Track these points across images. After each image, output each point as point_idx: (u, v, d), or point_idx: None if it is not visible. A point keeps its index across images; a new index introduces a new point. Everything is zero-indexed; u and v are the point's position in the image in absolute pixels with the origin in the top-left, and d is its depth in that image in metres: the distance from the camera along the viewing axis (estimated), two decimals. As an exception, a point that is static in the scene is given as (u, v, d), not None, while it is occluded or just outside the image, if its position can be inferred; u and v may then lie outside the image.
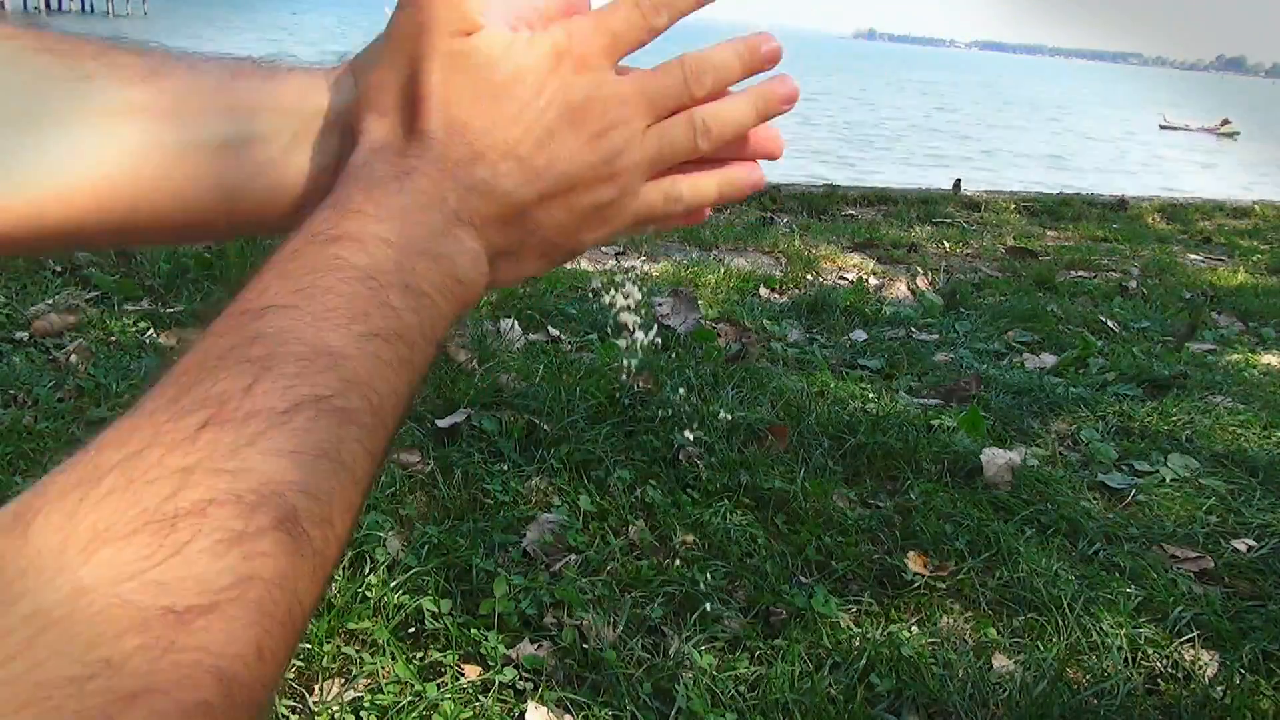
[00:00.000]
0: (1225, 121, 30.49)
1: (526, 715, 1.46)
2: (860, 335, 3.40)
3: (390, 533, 1.83)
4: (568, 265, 4.21)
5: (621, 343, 2.41)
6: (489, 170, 0.44)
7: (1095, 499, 2.31)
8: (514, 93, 0.44)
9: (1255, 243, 6.16)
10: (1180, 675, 1.69)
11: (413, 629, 1.61)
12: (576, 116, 0.45)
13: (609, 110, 0.45)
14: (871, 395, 2.74)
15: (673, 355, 2.85)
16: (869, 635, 1.70)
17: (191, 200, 0.46)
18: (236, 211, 0.47)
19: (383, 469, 0.37)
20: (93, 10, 43.03)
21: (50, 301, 2.82)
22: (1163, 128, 31.09)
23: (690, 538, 1.93)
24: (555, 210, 0.46)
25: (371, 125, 0.45)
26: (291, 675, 1.48)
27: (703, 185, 0.50)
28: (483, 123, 0.44)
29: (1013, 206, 6.51)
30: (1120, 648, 1.73)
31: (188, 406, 0.31)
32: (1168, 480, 2.41)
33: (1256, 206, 7.77)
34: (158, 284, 3.04)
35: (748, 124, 0.49)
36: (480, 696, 1.48)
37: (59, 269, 3.13)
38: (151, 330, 2.72)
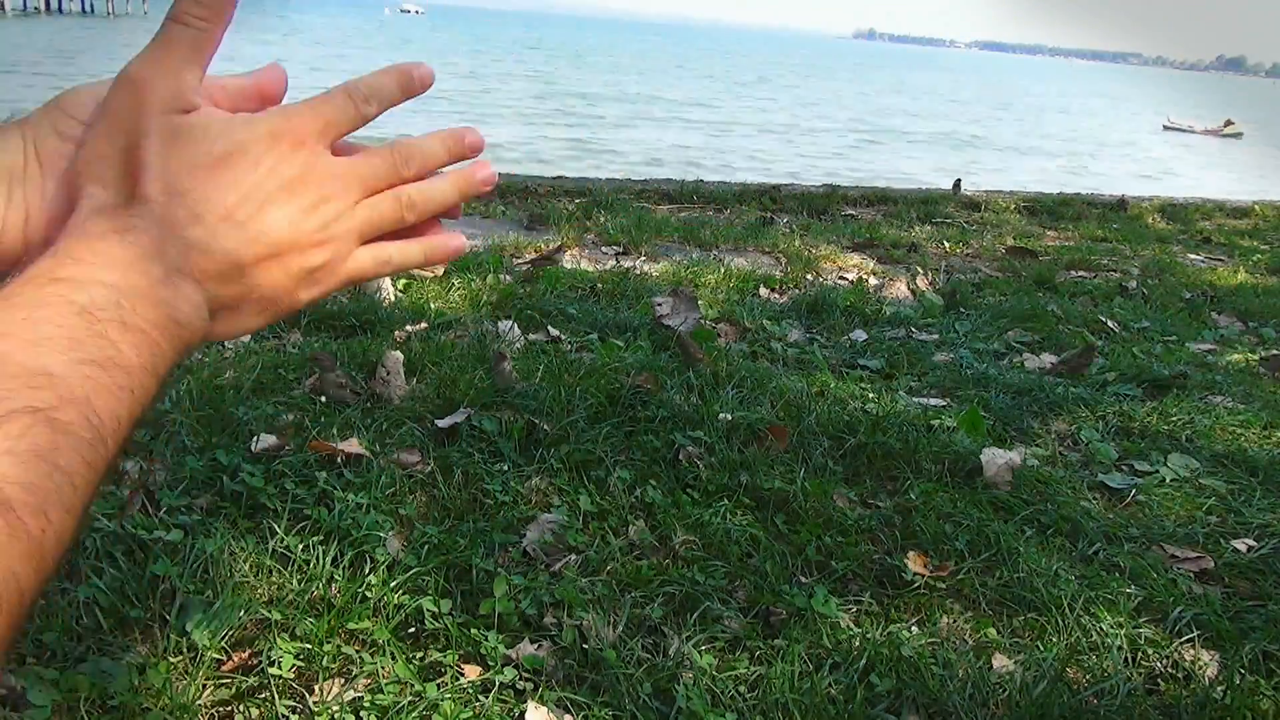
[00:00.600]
0: (1229, 123, 30.52)
1: (526, 715, 1.46)
2: (860, 335, 3.40)
3: (390, 533, 1.83)
4: (566, 265, 4.20)
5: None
6: (208, 231, 0.47)
7: (1095, 499, 2.31)
8: (233, 164, 0.48)
9: (1255, 243, 6.16)
10: (1180, 675, 1.69)
11: (413, 629, 1.61)
12: (292, 188, 0.50)
13: (323, 185, 0.50)
14: (871, 395, 2.74)
15: (672, 355, 2.85)
16: (869, 635, 1.70)
17: None
18: None
19: (103, 482, 0.42)
20: (93, 11, 43.05)
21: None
22: (1166, 128, 31.11)
23: (690, 538, 1.93)
24: (273, 270, 0.50)
25: (92, 192, 0.48)
26: (291, 675, 1.48)
27: (409, 251, 0.56)
28: (202, 189, 0.48)
29: (1013, 206, 6.51)
30: (1120, 648, 1.73)
31: None
32: (1168, 480, 2.41)
33: (1256, 206, 7.77)
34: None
35: (450, 202, 0.56)
36: (480, 696, 1.48)
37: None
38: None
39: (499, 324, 2.99)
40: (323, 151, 0.51)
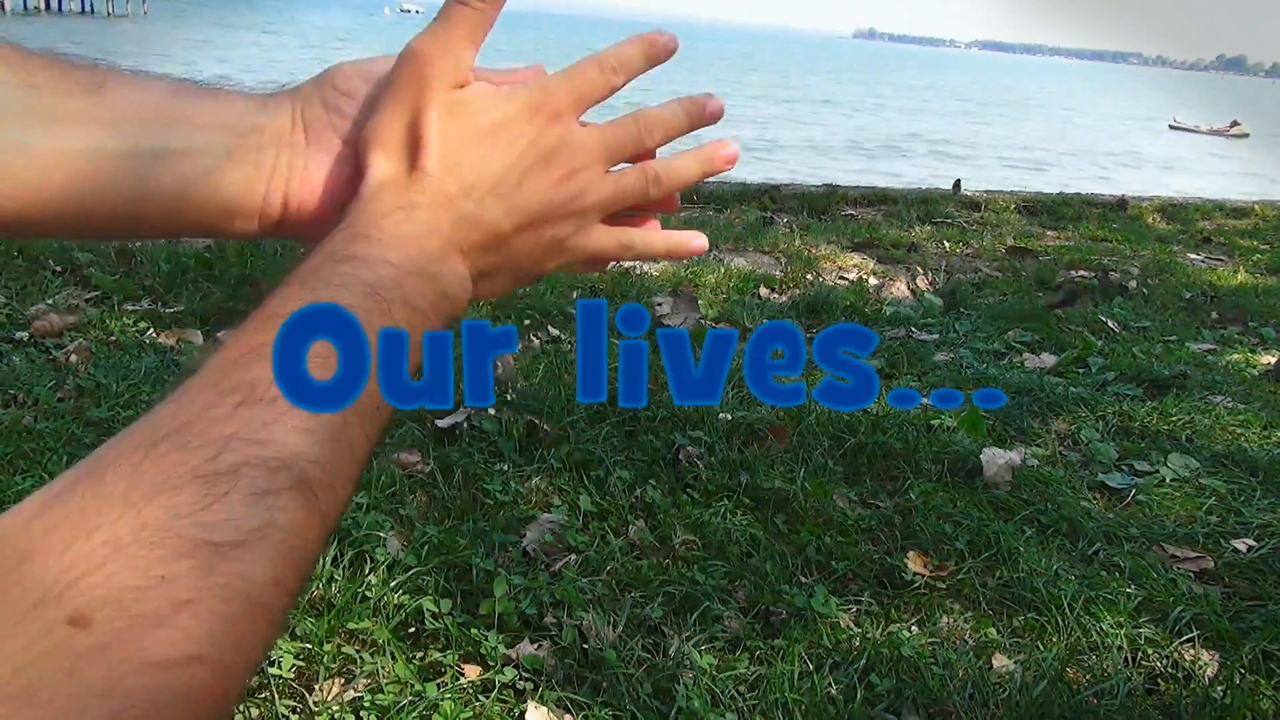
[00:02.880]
0: (1235, 124, 30.45)
1: (526, 715, 1.46)
2: (860, 335, 3.39)
3: (390, 533, 1.83)
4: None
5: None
6: (476, 204, 0.51)
7: (1095, 499, 2.31)
8: (498, 138, 0.51)
9: (1255, 243, 6.15)
10: (1180, 675, 1.69)
11: (413, 629, 1.61)
12: (548, 161, 0.52)
13: (574, 156, 0.53)
14: (871, 395, 2.74)
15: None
16: (869, 635, 1.70)
17: (126, 202, 0.51)
18: (171, 214, 0.53)
19: (374, 448, 0.45)
20: (93, 11, 43.03)
21: (50, 301, 2.82)
22: (1173, 128, 31.02)
23: (690, 538, 1.93)
24: (527, 240, 0.53)
25: (376, 161, 0.51)
26: (291, 675, 1.48)
27: (652, 241, 0.58)
28: (472, 162, 0.51)
29: (1013, 206, 6.50)
30: (1120, 648, 1.73)
31: (227, 389, 0.39)
32: (1168, 480, 2.41)
33: (1256, 206, 7.76)
34: (158, 284, 3.04)
35: (693, 179, 0.56)
36: (480, 696, 1.48)
37: (59, 269, 3.12)
38: (151, 330, 2.72)
39: (499, 323, 2.99)
40: (574, 123, 0.53)
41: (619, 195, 0.54)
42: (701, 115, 0.55)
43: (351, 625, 1.58)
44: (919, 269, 4.50)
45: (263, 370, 0.40)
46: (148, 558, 0.32)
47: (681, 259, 0.59)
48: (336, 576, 1.68)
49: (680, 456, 2.22)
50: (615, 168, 0.55)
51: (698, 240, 0.59)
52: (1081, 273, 4.81)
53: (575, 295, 3.49)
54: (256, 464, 0.37)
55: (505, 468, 2.12)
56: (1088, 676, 1.67)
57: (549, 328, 3.06)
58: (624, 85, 0.54)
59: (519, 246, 0.53)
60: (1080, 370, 3.19)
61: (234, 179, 0.53)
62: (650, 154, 0.56)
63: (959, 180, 7.22)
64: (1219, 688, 1.65)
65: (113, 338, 2.64)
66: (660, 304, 3.31)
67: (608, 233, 0.56)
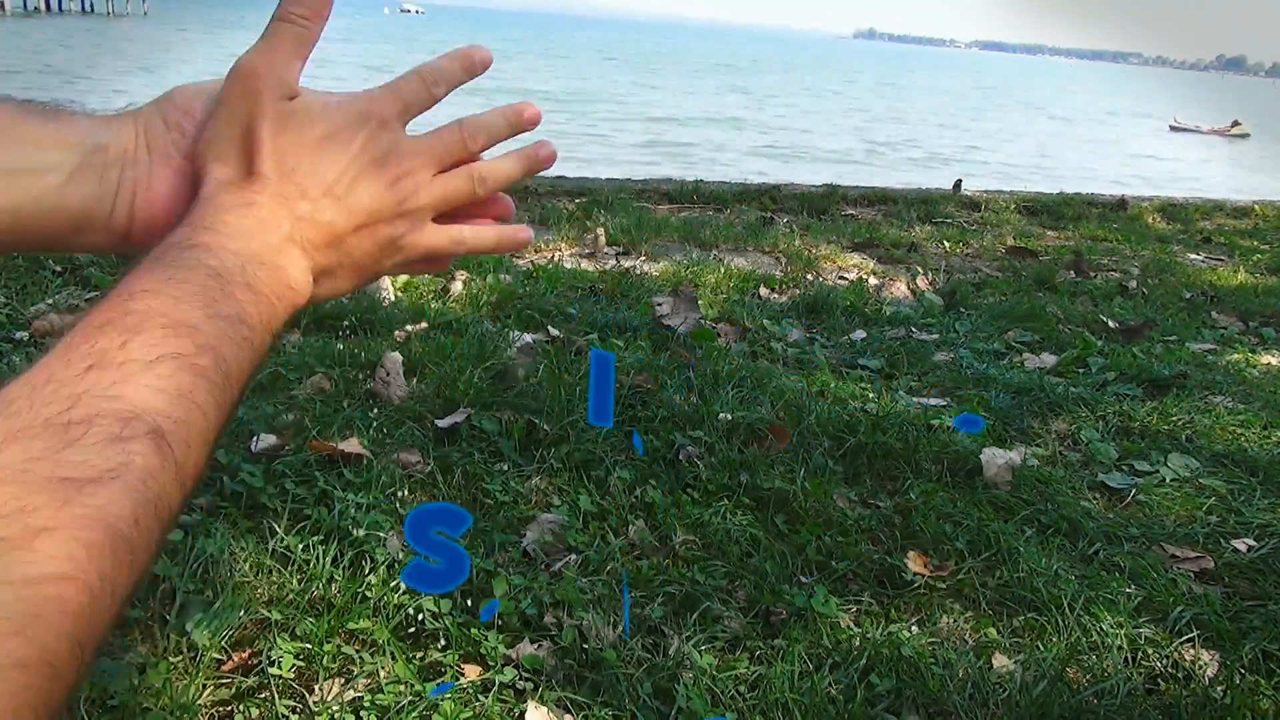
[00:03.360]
0: (1235, 123, 30.51)
1: (526, 715, 1.46)
2: (860, 335, 3.40)
3: (390, 533, 1.83)
4: (567, 265, 4.21)
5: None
6: (313, 205, 0.55)
7: (1095, 499, 2.31)
8: (331, 145, 0.55)
9: (1255, 243, 6.15)
10: (1180, 675, 1.69)
11: (413, 629, 1.61)
12: (379, 166, 0.56)
13: (403, 161, 0.57)
14: (871, 395, 2.74)
15: (672, 355, 2.85)
16: (869, 635, 1.70)
17: None
18: (20, 229, 0.55)
19: (230, 422, 0.48)
20: (93, 10, 43.05)
21: (50, 301, 2.83)
22: (1173, 129, 31.04)
23: (690, 538, 1.93)
24: (363, 240, 0.57)
25: (214, 169, 0.55)
26: (291, 675, 1.48)
27: (483, 234, 0.62)
28: (307, 167, 0.55)
29: (1013, 206, 6.50)
30: (1120, 648, 1.73)
31: (76, 358, 0.41)
32: (1168, 480, 2.41)
33: (1256, 206, 7.76)
34: (158, 284, 3.04)
35: (515, 177, 0.61)
36: (480, 696, 1.48)
37: (59, 269, 3.13)
38: (151, 330, 2.72)
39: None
40: (402, 130, 0.57)
41: (447, 196, 0.59)
42: (519, 121, 0.60)
43: (351, 625, 1.58)
44: (919, 269, 4.50)
45: (111, 340, 0.42)
46: (4, 493, 0.34)
47: (510, 251, 0.65)
48: (336, 576, 1.68)
49: (680, 456, 2.22)
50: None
51: (524, 233, 0.64)
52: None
53: (577, 294, 3.49)
54: (109, 415, 0.39)
55: (505, 468, 2.12)
56: (1088, 676, 1.67)
57: (549, 328, 3.06)
58: (444, 95, 0.58)
59: (356, 245, 0.57)
60: (1080, 370, 3.19)
61: (80, 194, 0.56)
62: (475, 157, 0.60)
63: (959, 180, 7.22)
64: (1219, 688, 1.65)
65: (113, 338, 2.64)
66: (660, 304, 3.31)
67: (440, 230, 0.60)
